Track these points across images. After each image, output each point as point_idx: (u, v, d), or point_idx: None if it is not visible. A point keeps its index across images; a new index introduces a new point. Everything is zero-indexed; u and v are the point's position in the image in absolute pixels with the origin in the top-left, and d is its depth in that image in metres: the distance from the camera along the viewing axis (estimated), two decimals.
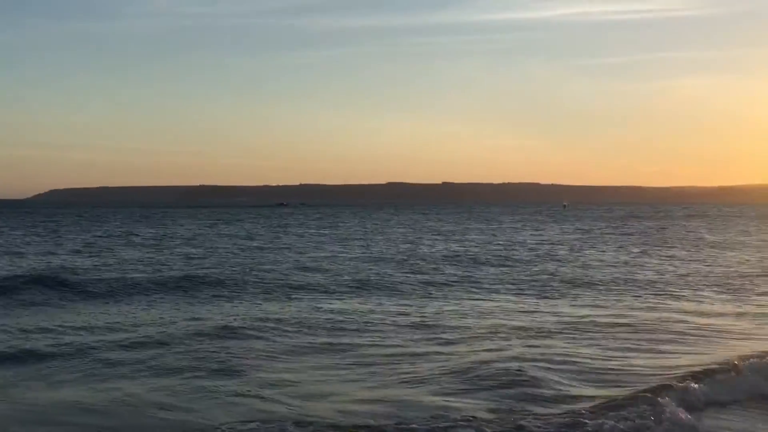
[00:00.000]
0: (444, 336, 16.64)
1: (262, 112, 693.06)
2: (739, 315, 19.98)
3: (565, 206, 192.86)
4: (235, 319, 18.48)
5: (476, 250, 45.02)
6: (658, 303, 22.30)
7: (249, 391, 12.01)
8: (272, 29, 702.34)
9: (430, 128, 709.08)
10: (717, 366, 13.07)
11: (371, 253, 41.90)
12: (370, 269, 32.17)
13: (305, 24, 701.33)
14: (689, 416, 10.56)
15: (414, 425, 10.03)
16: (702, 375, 12.45)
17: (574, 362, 13.84)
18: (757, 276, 29.95)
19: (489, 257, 38.88)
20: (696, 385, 11.85)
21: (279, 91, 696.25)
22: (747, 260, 37.93)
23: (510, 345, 15.42)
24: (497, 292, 25.02)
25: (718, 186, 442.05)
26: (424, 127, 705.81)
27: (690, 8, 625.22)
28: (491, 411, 10.76)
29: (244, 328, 17.30)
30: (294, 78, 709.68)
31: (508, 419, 10.29)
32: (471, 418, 10.30)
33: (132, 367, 13.53)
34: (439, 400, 11.42)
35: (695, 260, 38.25)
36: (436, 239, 57.41)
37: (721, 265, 34.98)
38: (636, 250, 46.14)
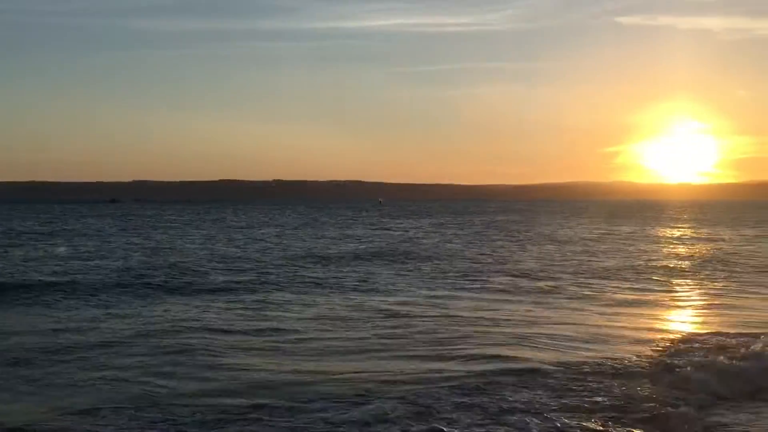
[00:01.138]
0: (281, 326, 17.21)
1: (94, 110, 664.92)
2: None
3: (380, 202, 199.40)
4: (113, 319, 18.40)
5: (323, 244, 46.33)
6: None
7: (112, 376, 12.25)
8: (108, 29, 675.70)
9: (262, 128, 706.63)
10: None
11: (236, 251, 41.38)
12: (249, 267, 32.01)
13: (141, 25, 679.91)
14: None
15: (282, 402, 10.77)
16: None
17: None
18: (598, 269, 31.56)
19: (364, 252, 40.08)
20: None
21: (113, 90, 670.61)
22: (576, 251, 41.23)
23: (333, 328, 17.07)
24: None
25: (519, 184, 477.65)
26: (256, 127, 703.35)
27: (497, 24, 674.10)
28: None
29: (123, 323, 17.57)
30: (126, 77, 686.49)
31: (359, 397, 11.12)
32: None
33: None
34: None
35: (523, 251, 41.55)
36: (277, 237, 58.17)
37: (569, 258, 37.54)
38: (458, 241, 49.38)
